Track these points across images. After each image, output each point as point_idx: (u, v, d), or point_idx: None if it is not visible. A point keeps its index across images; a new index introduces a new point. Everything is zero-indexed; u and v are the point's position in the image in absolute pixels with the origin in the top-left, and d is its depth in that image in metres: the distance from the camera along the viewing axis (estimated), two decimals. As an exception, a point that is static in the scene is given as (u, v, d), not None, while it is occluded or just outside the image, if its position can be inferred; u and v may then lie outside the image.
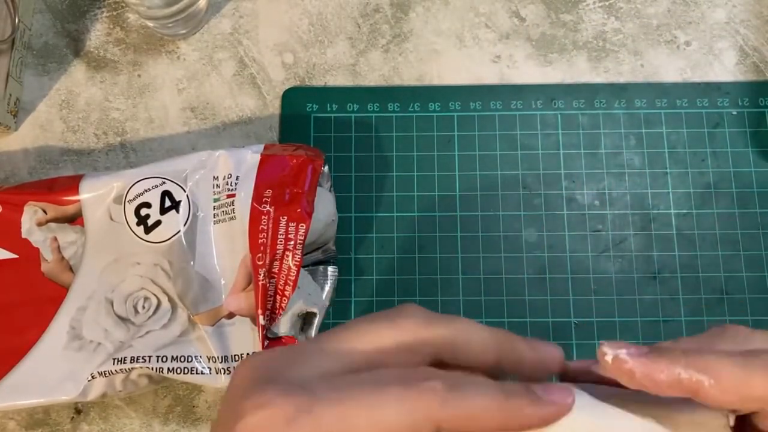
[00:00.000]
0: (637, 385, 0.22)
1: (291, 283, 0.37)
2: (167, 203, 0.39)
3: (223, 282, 0.39)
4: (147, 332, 0.38)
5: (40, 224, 0.40)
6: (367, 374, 0.23)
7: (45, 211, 0.40)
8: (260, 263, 0.37)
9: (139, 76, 0.47)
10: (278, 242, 0.37)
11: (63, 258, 0.40)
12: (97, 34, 0.48)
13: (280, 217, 0.38)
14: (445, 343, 0.24)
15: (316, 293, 0.40)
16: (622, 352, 0.22)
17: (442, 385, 0.22)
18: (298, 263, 0.37)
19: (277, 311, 0.37)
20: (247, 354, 0.37)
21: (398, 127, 0.46)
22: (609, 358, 0.23)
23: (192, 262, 0.39)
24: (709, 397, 0.22)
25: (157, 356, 0.37)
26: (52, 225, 0.40)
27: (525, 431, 0.22)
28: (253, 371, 0.23)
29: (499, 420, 0.22)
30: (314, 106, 0.46)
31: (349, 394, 0.22)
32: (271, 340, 0.37)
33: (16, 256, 0.40)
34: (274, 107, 0.47)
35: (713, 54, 0.47)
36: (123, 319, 0.39)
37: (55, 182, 0.41)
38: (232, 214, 0.39)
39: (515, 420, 0.22)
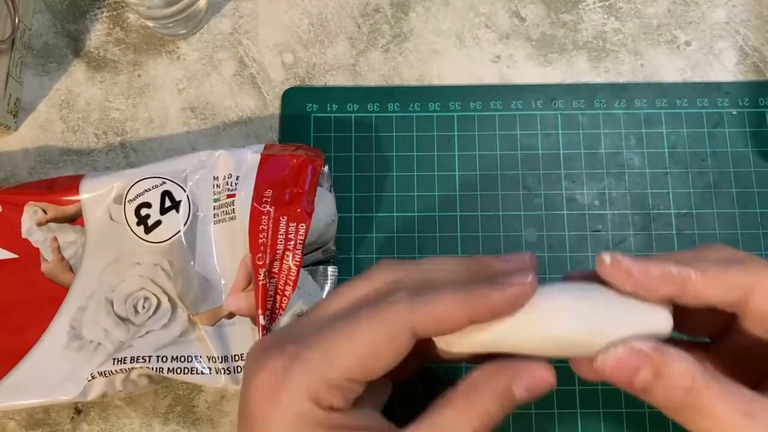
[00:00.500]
0: (633, 284, 0.25)
1: (291, 283, 0.37)
2: (167, 203, 0.39)
3: (223, 282, 0.39)
4: (147, 332, 0.38)
5: (40, 224, 0.40)
6: (343, 313, 0.25)
7: (45, 211, 0.40)
8: (260, 263, 0.37)
9: (139, 76, 0.47)
10: (278, 242, 0.37)
11: (63, 258, 0.40)
12: (97, 34, 0.48)
13: (281, 217, 0.38)
14: (418, 281, 0.26)
15: (316, 293, 0.40)
16: (619, 255, 0.25)
17: (405, 294, 0.24)
18: (298, 263, 0.37)
19: (277, 311, 0.37)
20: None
21: (398, 127, 0.46)
22: (608, 259, 0.25)
23: (192, 262, 0.39)
24: (697, 289, 0.24)
25: (157, 356, 0.37)
26: (52, 225, 0.40)
27: (496, 318, 0.24)
28: (258, 349, 0.27)
29: (466, 312, 0.24)
30: (314, 106, 0.46)
31: (329, 333, 0.24)
32: (271, 340, 0.37)
33: (16, 256, 0.40)
34: (274, 107, 0.47)
35: (713, 54, 0.47)
36: (123, 319, 0.39)
37: (55, 182, 0.41)
38: (232, 214, 0.39)
39: (482, 309, 0.24)
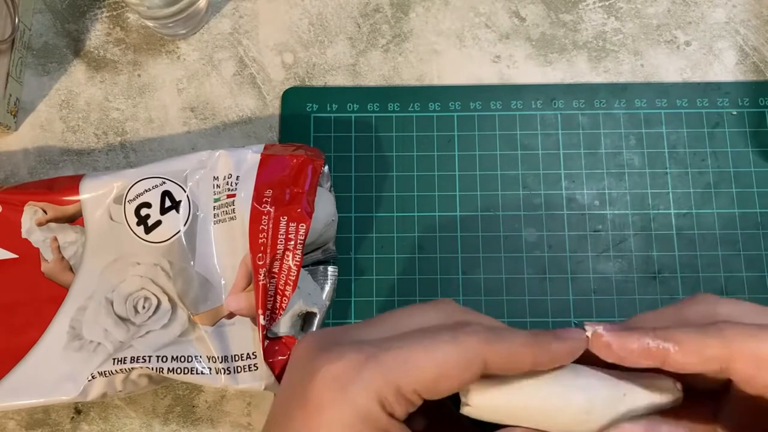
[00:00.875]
0: (614, 356, 0.26)
1: (291, 283, 0.37)
2: (167, 203, 0.39)
3: (223, 282, 0.39)
4: (147, 332, 0.38)
5: (40, 224, 0.40)
6: (418, 331, 0.26)
7: (45, 211, 0.40)
8: (260, 263, 0.37)
9: (139, 76, 0.47)
10: (278, 242, 0.37)
11: (63, 258, 0.40)
12: (97, 34, 0.48)
13: (281, 217, 0.38)
14: (486, 322, 0.28)
15: (316, 293, 0.40)
16: (599, 328, 0.26)
17: (483, 328, 0.26)
18: (298, 263, 0.37)
19: (277, 311, 0.37)
20: (248, 354, 0.37)
21: (398, 127, 0.46)
22: (589, 333, 0.26)
23: (192, 262, 0.39)
24: (676, 362, 0.25)
25: (157, 356, 0.37)
26: (52, 225, 0.40)
27: (553, 366, 0.26)
28: (315, 342, 0.27)
29: (532, 356, 0.25)
30: (314, 106, 0.46)
31: (407, 344, 0.25)
32: (271, 340, 0.37)
33: (16, 256, 0.40)
34: (274, 107, 0.47)
35: (713, 54, 0.47)
36: (123, 319, 0.39)
37: (55, 182, 0.41)
38: (233, 214, 0.39)
39: (544, 355, 0.26)
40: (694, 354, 0.25)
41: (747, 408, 0.26)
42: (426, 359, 0.25)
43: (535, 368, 0.26)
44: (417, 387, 0.25)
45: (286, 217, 0.38)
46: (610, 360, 0.26)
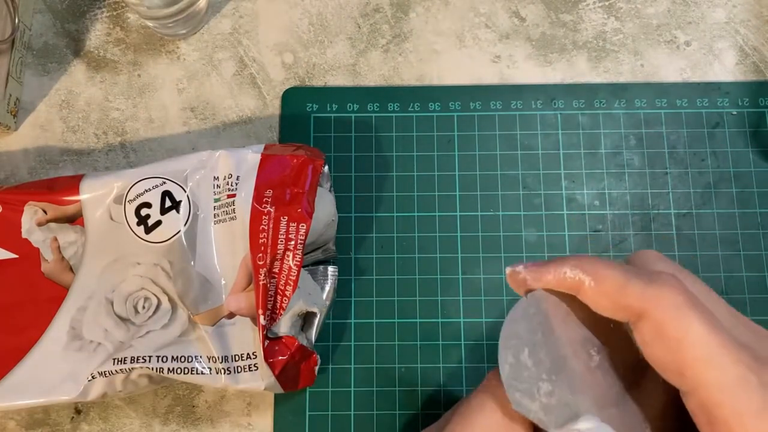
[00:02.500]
0: (528, 288, 0.25)
1: (292, 283, 0.37)
2: (167, 203, 0.39)
3: (223, 282, 0.39)
4: (147, 332, 0.38)
5: (40, 224, 0.40)
6: None
7: (45, 211, 0.40)
8: (261, 263, 0.37)
9: (139, 76, 0.47)
10: (279, 242, 0.37)
11: (63, 258, 0.40)
12: (97, 34, 0.48)
13: (281, 217, 0.38)
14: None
15: (317, 293, 0.40)
16: (519, 266, 0.26)
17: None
18: (298, 263, 0.37)
19: (277, 311, 0.37)
20: (248, 354, 0.37)
21: (398, 127, 0.46)
22: (508, 271, 0.26)
23: (192, 262, 0.39)
24: (588, 298, 0.24)
25: (157, 356, 0.37)
26: (52, 225, 0.40)
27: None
28: None
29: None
30: (314, 106, 0.46)
31: None
32: (271, 340, 0.37)
33: (16, 256, 0.40)
34: (274, 107, 0.47)
35: (713, 54, 0.47)
36: (123, 319, 0.39)
37: (55, 182, 0.41)
38: (233, 214, 0.39)
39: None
40: (607, 296, 0.23)
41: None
42: None
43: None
44: None
45: (286, 217, 0.38)
46: (523, 292, 0.26)
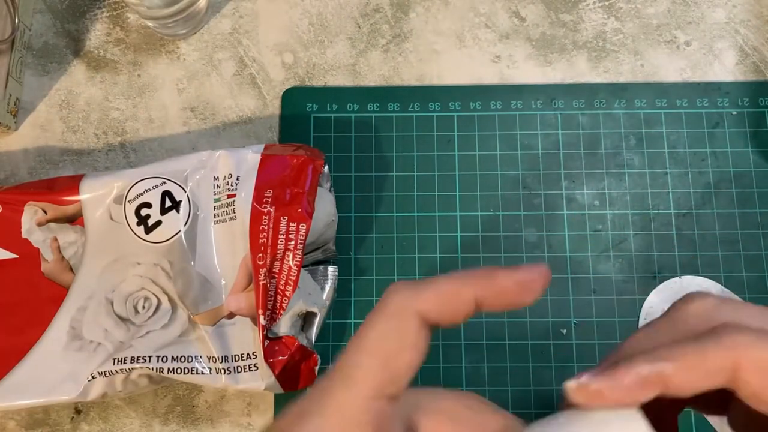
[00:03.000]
0: (612, 401, 0.22)
1: (292, 283, 0.37)
2: (168, 203, 0.39)
3: (223, 282, 0.39)
4: (147, 332, 0.38)
5: (40, 224, 0.40)
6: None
7: (45, 211, 0.40)
8: (261, 263, 0.37)
9: (139, 76, 0.47)
10: (279, 242, 0.37)
11: (63, 258, 0.40)
12: (97, 34, 0.48)
13: (281, 217, 0.38)
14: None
15: (317, 293, 0.40)
16: (582, 379, 0.22)
17: (404, 283, 0.22)
18: (298, 263, 0.37)
19: (277, 311, 0.37)
20: (248, 354, 0.37)
21: (398, 127, 0.46)
22: (574, 387, 0.22)
23: (192, 262, 0.39)
24: (678, 382, 0.21)
25: (157, 356, 0.37)
26: (52, 225, 0.40)
27: (505, 302, 0.22)
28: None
29: (471, 289, 0.22)
30: (314, 106, 0.46)
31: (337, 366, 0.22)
32: (271, 340, 0.37)
33: (16, 256, 0.40)
34: (274, 107, 0.47)
35: (713, 54, 0.47)
36: (123, 319, 0.39)
37: (55, 182, 0.41)
38: (233, 214, 0.39)
39: (489, 287, 0.22)
40: (695, 369, 0.21)
41: (753, 419, 0.22)
42: (365, 360, 0.22)
43: (480, 304, 0.22)
44: (370, 394, 0.21)
45: (286, 217, 0.38)
46: (606, 407, 0.22)
